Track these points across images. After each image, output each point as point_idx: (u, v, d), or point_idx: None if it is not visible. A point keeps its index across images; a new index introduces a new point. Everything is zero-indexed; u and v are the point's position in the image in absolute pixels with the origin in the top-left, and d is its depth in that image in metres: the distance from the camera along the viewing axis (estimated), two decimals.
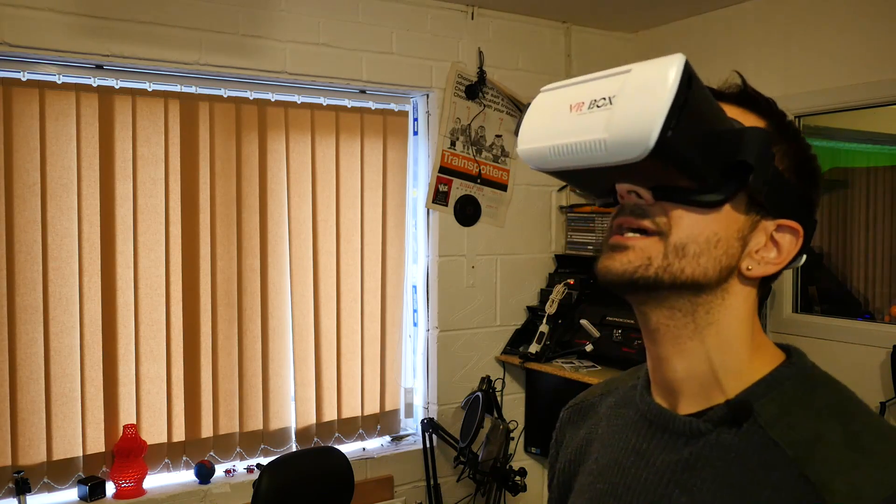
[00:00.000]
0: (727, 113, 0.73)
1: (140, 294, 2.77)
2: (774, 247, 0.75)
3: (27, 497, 2.45)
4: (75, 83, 2.63)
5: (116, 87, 2.69)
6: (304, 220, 3.08)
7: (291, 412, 3.09)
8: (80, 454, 2.68)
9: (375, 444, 3.31)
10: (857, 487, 0.65)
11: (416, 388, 3.42)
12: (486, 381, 3.24)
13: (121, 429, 2.72)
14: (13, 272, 2.56)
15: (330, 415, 3.16)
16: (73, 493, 2.67)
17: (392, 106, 3.29)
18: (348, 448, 3.16)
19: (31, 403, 2.59)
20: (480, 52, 3.34)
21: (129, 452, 2.68)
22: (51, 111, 2.60)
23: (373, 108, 3.23)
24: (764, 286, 0.79)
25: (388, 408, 3.33)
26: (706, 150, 0.68)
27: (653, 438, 0.79)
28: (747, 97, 0.79)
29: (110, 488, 2.70)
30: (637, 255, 0.73)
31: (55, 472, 2.64)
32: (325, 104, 3.11)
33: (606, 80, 0.69)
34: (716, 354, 0.76)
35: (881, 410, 2.74)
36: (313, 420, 3.12)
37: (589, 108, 0.68)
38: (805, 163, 0.78)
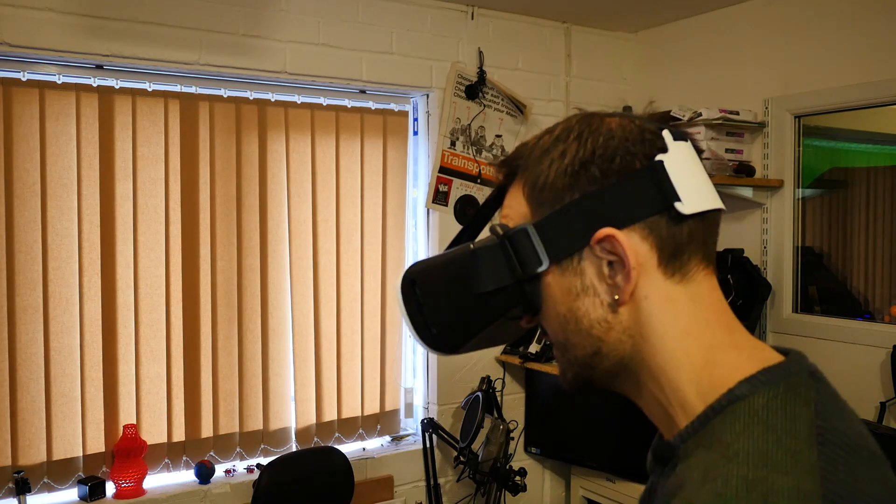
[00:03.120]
0: (508, 197, 0.76)
1: (140, 294, 2.77)
2: (609, 266, 0.69)
3: (27, 497, 2.45)
4: (75, 83, 2.63)
5: (116, 87, 2.69)
6: (304, 220, 3.08)
7: (291, 412, 3.09)
8: (80, 454, 2.68)
9: (375, 444, 3.31)
10: None
11: (416, 388, 3.42)
12: (486, 381, 3.24)
13: (121, 429, 2.72)
14: (13, 272, 2.56)
15: (330, 415, 3.16)
16: (73, 493, 2.67)
17: (392, 106, 3.29)
18: (348, 448, 3.16)
19: (31, 403, 2.59)
20: (480, 52, 3.34)
21: (129, 452, 2.68)
22: (51, 111, 2.60)
23: (373, 108, 3.23)
24: (682, 269, 0.70)
25: (388, 408, 3.33)
26: (474, 306, 0.73)
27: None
28: (506, 170, 0.77)
29: (110, 488, 2.70)
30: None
31: (55, 472, 2.64)
32: (324, 104, 3.11)
33: None
34: (658, 394, 0.72)
35: (881, 410, 2.74)
36: (313, 420, 3.12)
37: None
38: (569, 171, 0.70)
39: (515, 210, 0.74)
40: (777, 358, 0.69)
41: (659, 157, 0.69)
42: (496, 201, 0.79)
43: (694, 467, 0.63)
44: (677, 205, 0.68)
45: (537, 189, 0.71)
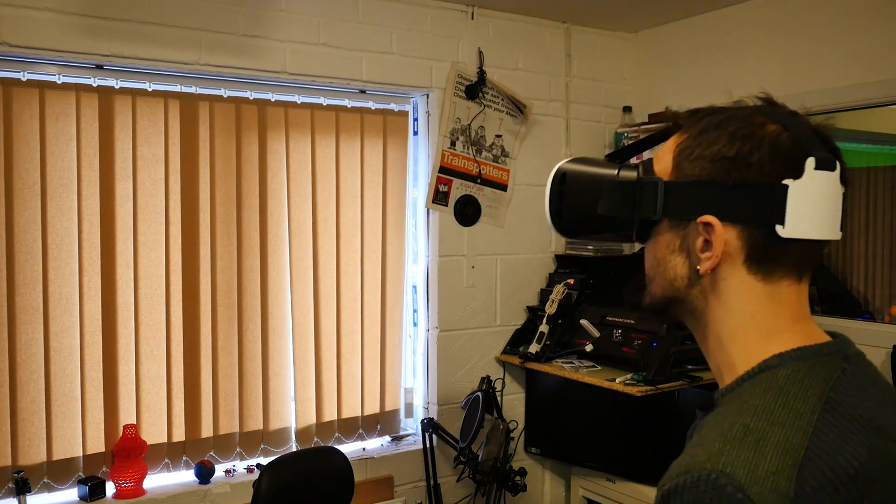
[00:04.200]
0: (666, 144, 0.89)
1: (140, 294, 2.77)
2: (705, 243, 0.83)
3: (27, 497, 2.45)
4: (75, 83, 2.63)
5: (116, 87, 2.69)
6: (304, 220, 3.08)
7: (291, 412, 3.10)
8: (80, 454, 2.68)
9: (375, 444, 3.31)
10: (670, 469, 0.74)
11: (416, 388, 3.42)
12: (486, 381, 3.24)
13: (121, 429, 2.72)
14: (13, 272, 2.56)
15: (330, 415, 3.16)
16: (73, 493, 2.67)
17: (392, 106, 3.29)
18: (348, 448, 3.16)
19: (31, 403, 2.59)
20: (480, 52, 3.34)
21: (129, 452, 2.68)
22: (51, 111, 2.60)
23: (373, 108, 3.23)
24: (766, 273, 0.82)
25: (388, 408, 3.33)
26: (597, 215, 0.90)
27: None
28: (678, 122, 0.91)
29: (110, 488, 2.70)
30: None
31: (55, 472, 2.64)
32: (325, 104, 3.11)
33: None
34: (716, 351, 0.87)
35: None
36: (313, 420, 3.12)
37: None
38: (711, 158, 0.82)
39: (663, 160, 0.87)
40: (822, 341, 0.82)
41: (787, 181, 0.79)
42: (660, 138, 0.92)
43: (716, 415, 0.79)
44: (778, 227, 0.79)
45: (683, 156, 0.84)
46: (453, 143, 3.30)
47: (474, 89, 3.31)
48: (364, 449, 3.25)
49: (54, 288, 2.62)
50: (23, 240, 2.57)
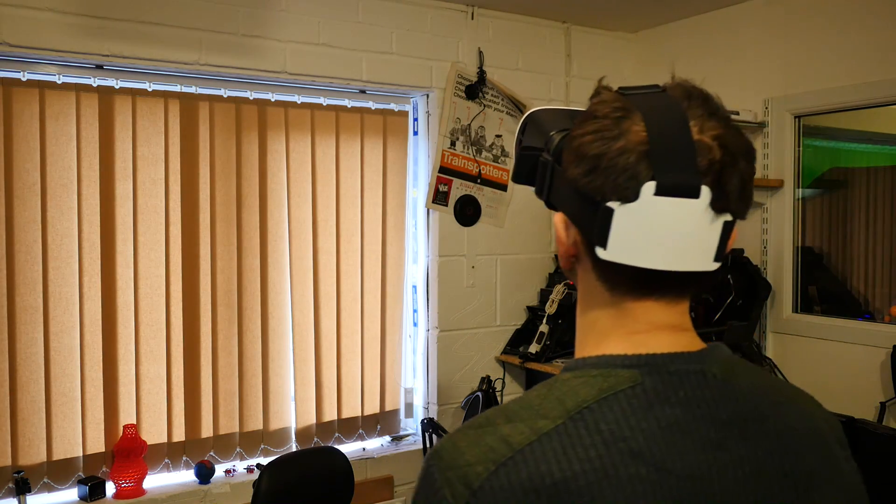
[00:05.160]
0: None
1: (140, 294, 2.77)
2: (562, 232, 0.80)
3: (27, 497, 2.45)
4: (75, 83, 2.63)
5: (116, 87, 2.69)
6: (304, 220, 3.08)
7: (291, 412, 3.10)
8: (80, 454, 2.68)
9: (375, 444, 3.31)
10: None
11: (416, 388, 3.42)
12: (486, 381, 3.24)
13: (121, 429, 2.72)
14: (13, 272, 2.56)
15: (330, 415, 3.16)
16: (73, 493, 2.67)
17: (392, 106, 3.29)
18: (348, 448, 3.16)
19: (31, 403, 2.59)
20: (480, 52, 3.34)
21: (129, 452, 2.68)
22: (51, 111, 2.60)
23: (373, 108, 3.23)
24: (612, 285, 0.77)
25: (388, 408, 3.33)
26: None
27: None
28: None
29: (110, 488, 2.70)
30: None
31: (55, 472, 2.64)
32: (325, 104, 3.11)
33: None
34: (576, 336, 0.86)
35: (881, 410, 2.74)
36: (313, 420, 3.12)
37: None
38: (574, 152, 0.75)
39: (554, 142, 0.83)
40: (658, 352, 0.75)
41: (612, 204, 0.71)
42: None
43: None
44: (598, 249, 0.73)
45: (566, 142, 0.78)
46: (453, 143, 3.30)
47: (474, 89, 3.31)
48: (364, 449, 3.25)
49: (54, 288, 2.62)
50: (23, 240, 2.57)
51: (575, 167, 0.73)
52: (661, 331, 0.76)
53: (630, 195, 0.70)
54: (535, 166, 0.83)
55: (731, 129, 0.74)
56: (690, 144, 0.71)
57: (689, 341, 0.77)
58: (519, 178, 0.87)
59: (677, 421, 0.71)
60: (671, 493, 0.68)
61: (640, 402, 0.71)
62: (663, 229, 0.71)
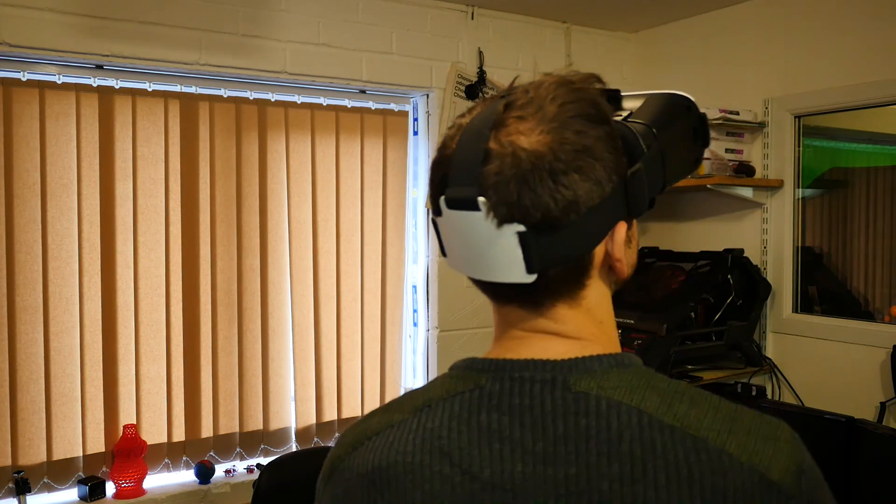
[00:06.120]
0: None
1: (140, 294, 2.77)
2: None
3: (27, 497, 2.45)
4: (75, 83, 2.63)
5: (116, 87, 2.69)
6: (304, 220, 3.08)
7: (291, 412, 3.09)
8: (80, 454, 2.68)
9: None
10: None
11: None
12: None
13: (121, 429, 2.72)
14: (13, 272, 2.56)
15: (330, 415, 3.16)
16: (73, 493, 2.67)
17: (392, 106, 3.29)
18: None
19: (31, 403, 2.59)
20: (480, 52, 3.34)
21: (129, 452, 2.68)
22: (51, 111, 2.60)
23: (373, 108, 3.23)
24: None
25: None
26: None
27: None
28: None
29: (110, 488, 2.70)
30: None
31: (55, 472, 2.64)
32: (325, 104, 3.11)
33: None
34: None
35: (881, 410, 2.74)
36: (313, 420, 3.12)
37: None
38: None
39: None
40: (515, 358, 0.74)
41: (434, 217, 0.76)
42: None
43: None
44: (446, 258, 0.77)
45: None
46: None
47: (474, 89, 3.31)
48: None
49: (54, 288, 2.62)
50: (23, 240, 2.57)
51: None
52: (533, 335, 0.74)
53: (437, 209, 0.73)
54: None
55: (554, 133, 0.68)
56: (478, 154, 0.68)
57: (564, 349, 0.72)
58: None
59: (500, 428, 0.69)
60: (471, 498, 0.68)
61: (471, 406, 0.71)
62: (461, 241, 0.71)
